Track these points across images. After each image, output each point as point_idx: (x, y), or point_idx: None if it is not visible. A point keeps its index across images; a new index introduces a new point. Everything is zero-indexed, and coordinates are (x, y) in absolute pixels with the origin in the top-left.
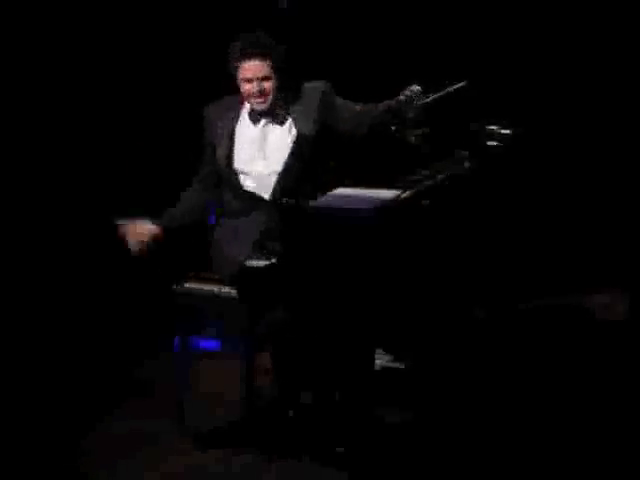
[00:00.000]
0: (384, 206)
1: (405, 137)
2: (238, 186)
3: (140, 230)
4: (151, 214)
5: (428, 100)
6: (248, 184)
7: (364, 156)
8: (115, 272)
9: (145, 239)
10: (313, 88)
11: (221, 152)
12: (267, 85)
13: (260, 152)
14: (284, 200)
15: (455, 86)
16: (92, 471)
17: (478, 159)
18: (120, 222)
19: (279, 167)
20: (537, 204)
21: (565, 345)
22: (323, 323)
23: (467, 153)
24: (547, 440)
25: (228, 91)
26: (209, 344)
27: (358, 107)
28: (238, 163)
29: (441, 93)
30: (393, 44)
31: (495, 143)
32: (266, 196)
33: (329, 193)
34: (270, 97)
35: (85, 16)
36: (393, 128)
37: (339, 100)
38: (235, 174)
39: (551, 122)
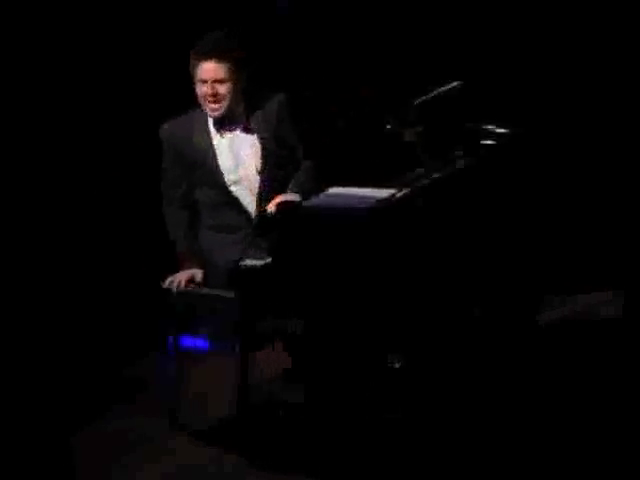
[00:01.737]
0: (378, 206)
1: (400, 136)
2: (230, 197)
3: (191, 277)
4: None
5: (423, 99)
6: (237, 193)
7: (358, 155)
8: (107, 271)
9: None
10: (271, 98)
11: (209, 165)
12: (222, 89)
13: (235, 160)
14: (267, 212)
15: (450, 85)
16: (84, 471)
17: (473, 158)
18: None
19: (255, 173)
20: (533, 203)
21: (562, 343)
22: (319, 323)
23: (462, 152)
24: (544, 438)
25: None
26: (202, 343)
27: (296, 139)
28: (225, 174)
29: (436, 92)
30: (390, 44)
31: (490, 142)
32: (252, 203)
33: (323, 192)
34: (224, 103)
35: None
36: (388, 127)
37: (288, 119)
38: (226, 185)
39: (547, 121)
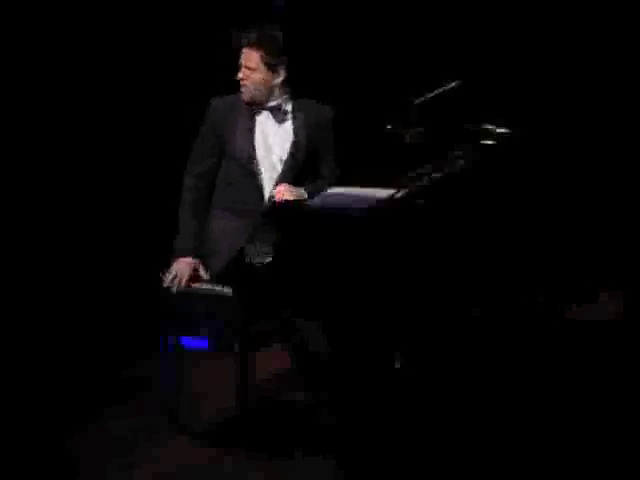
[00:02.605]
0: (377, 206)
1: (400, 136)
2: (253, 179)
3: (192, 267)
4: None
5: (423, 99)
6: (262, 177)
7: (359, 155)
8: (107, 271)
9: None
10: (322, 109)
11: (242, 147)
12: (249, 75)
13: (268, 146)
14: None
15: (450, 85)
16: (83, 471)
17: (473, 158)
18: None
19: (280, 163)
20: (533, 203)
21: (561, 345)
22: (319, 322)
23: (462, 152)
24: (544, 438)
25: (221, 89)
26: (202, 343)
27: (331, 157)
28: (258, 157)
29: (436, 92)
30: (389, 44)
31: (490, 142)
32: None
33: (323, 192)
34: (250, 88)
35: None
36: (388, 127)
37: (331, 135)
38: (254, 168)
39: (547, 121)
